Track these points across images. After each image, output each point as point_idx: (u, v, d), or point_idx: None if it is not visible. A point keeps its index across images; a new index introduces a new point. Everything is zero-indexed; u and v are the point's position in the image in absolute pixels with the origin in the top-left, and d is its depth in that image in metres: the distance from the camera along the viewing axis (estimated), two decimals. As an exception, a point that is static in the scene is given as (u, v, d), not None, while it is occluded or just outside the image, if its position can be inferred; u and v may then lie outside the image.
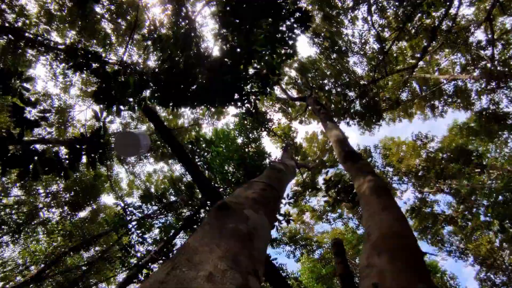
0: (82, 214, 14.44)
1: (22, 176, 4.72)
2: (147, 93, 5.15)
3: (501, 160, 16.66)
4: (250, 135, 8.90)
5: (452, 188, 15.78)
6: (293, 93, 15.83)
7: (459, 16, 13.90)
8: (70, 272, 11.94)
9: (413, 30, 11.27)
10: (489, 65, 12.61)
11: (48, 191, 13.37)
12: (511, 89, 12.88)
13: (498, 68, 12.59)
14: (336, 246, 2.94)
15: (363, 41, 12.63)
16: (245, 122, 8.94)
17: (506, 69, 12.50)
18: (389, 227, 1.95)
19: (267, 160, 8.43)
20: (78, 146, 5.36)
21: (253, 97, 5.01)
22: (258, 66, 4.83)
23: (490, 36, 10.44)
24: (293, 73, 16.02)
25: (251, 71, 4.93)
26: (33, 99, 4.35)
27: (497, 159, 16.83)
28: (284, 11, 4.95)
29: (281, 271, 10.48)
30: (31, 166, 4.57)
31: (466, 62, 14.77)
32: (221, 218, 1.63)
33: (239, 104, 5.00)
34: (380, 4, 11.39)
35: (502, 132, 14.56)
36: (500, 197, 12.96)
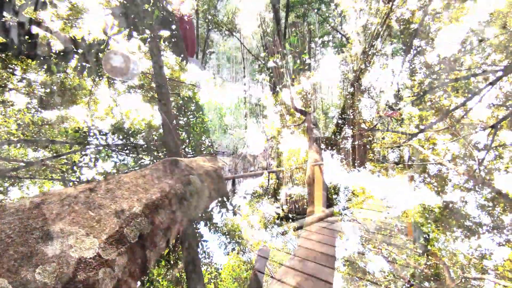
0: (47, 115, 13.86)
1: (4, 48, 4.47)
2: (165, 34, 5.02)
3: (442, 253, 17.55)
4: (240, 120, 8.85)
5: (391, 256, 16.49)
6: (299, 103, 15.87)
7: (474, 111, 14.42)
8: (7, 162, 11.48)
9: (429, 103, 11.58)
10: (475, 167, 13.19)
11: (25, 76, 12.72)
12: (482, 196, 13.56)
13: (482, 173, 13.19)
14: (261, 252, 2.98)
15: (382, 89, 12.86)
16: (240, 106, 8.88)
17: (488, 178, 13.12)
18: (314, 258, 2.00)
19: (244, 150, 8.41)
20: (74, 48, 5.14)
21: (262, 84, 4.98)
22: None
23: (489, 142, 10.89)
24: (307, 86, 16.04)
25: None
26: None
27: (440, 250, 17.71)
28: (329, 27, 4.92)
29: (206, 255, 10.56)
30: (17, 42, 4.33)
31: (458, 154, 15.36)
32: (166, 170, 1.60)
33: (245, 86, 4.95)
34: (413, 65, 11.60)
35: (456, 230, 15.28)
36: (426, 284, 13.71)
